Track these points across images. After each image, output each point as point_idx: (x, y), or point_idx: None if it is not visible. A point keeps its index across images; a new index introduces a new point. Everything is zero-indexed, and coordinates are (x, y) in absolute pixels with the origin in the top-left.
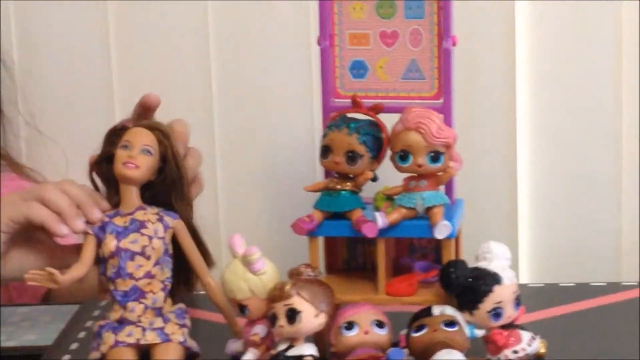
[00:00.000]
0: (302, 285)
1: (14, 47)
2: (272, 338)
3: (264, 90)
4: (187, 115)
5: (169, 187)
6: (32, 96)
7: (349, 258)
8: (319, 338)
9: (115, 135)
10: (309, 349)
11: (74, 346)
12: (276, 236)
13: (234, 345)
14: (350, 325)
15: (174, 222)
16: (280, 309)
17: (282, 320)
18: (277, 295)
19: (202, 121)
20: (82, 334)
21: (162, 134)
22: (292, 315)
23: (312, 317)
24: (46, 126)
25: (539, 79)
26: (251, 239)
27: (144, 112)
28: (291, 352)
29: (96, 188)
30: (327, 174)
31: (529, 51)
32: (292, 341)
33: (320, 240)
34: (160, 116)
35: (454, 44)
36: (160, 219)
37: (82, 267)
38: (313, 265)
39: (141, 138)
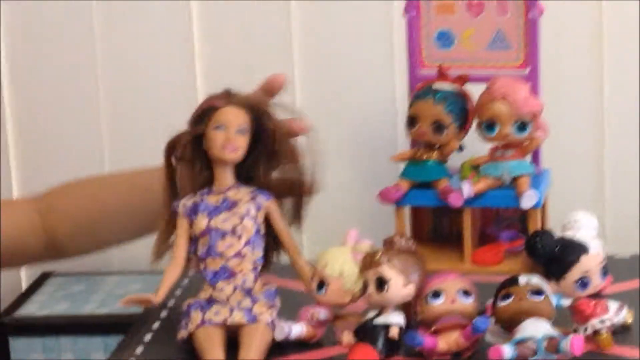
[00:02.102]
0: (393, 255)
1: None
2: (324, 329)
3: (346, 62)
4: None
5: (263, 162)
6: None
7: (435, 227)
8: (407, 307)
9: (204, 115)
10: (397, 318)
11: (163, 314)
12: (360, 206)
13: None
14: (436, 294)
15: (267, 202)
16: (371, 276)
17: (371, 288)
18: (368, 262)
19: (286, 93)
20: (171, 302)
21: (255, 110)
22: (381, 283)
23: (400, 287)
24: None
25: (626, 44)
26: (336, 209)
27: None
28: (379, 320)
29: (171, 168)
30: (414, 143)
31: (616, 17)
32: (381, 309)
33: (407, 210)
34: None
35: (540, 13)
36: (253, 199)
37: (176, 270)
38: (406, 235)
39: (236, 118)
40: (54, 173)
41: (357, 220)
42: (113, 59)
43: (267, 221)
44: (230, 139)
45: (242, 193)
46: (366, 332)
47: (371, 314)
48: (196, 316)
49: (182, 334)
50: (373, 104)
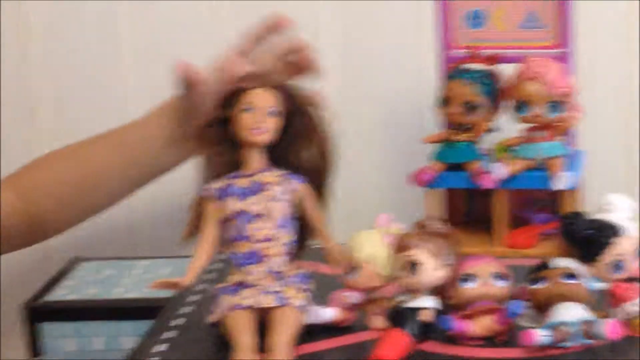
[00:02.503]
0: (425, 238)
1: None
2: (355, 313)
3: (375, 44)
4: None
5: (295, 144)
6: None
7: (468, 210)
8: (440, 291)
9: (232, 96)
10: (429, 302)
11: (195, 298)
12: (390, 188)
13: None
14: (469, 278)
15: (300, 185)
16: (402, 259)
17: (403, 271)
18: (400, 245)
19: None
20: (202, 286)
21: (286, 91)
22: (413, 266)
23: (432, 270)
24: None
25: None
26: (366, 191)
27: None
28: (411, 304)
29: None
30: (446, 125)
31: None
32: (413, 292)
33: (439, 192)
34: None
35: None
36: (285, 182)
37: (204, 253)
38: (440, 218)
39: (265, 99)
40: None
41: (388, 202)
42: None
43: (300, 205)
44: (259, 121)
45: (273, 176)
46: (398, 316)
47: (403, 297)
48: (226, 300)
49: (212, 318)
50: (402, 85)
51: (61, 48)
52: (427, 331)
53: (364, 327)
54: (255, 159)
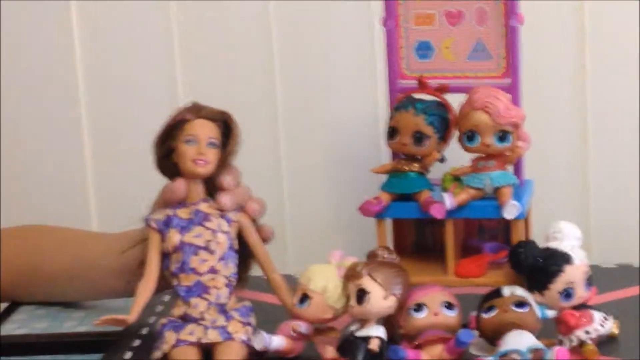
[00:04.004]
0: (374, 267)
1: (76, 47)
2: (303, 344)
3: (327, 73)
4: (250, 98)
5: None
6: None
7: (417, 239)
8: (390, 320)
9: (175, 128)
10: (377, 331)
11: (136, 343)
12: (342, 218)
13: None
14: (419, 307)
15: (238, 215)
16: (352, 288)
17: (352, 300)
18: (350, 274)
19: (265, 104)
20: (152, 319)
21: (224, 123)
22: (362, 295)
23: (380, 299)
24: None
25: (609, 55)
26: (317, 221)
27: None
28: (360, 333)
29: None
30: (394, 155)
31: (599, 27)
32: (362, 322)
33: (389, 222)
34: (226, 105)
35: (520, 22)
36: (222, 214)
37: (149, 287)
38: (389, 248)
39: (206, 131)
40: None
41: (340, 232)
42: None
43: (240, 236)
44: (202, 152)
45: (213, 207)
46: (347, 346)
47: (353, 327)
48: (170, 336)
49: (156, 354)
50: (355, 115)
51: None
52: None
53: (312, 358)
54: (196, 190)
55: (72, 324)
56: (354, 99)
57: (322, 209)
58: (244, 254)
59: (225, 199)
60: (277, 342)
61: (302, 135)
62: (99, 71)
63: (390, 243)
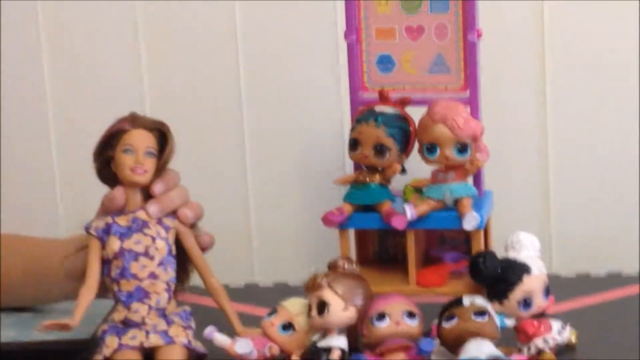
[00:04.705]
0: (335, 278)
1: (42, 48)
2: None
3: (292, 85)
4: (216, 110)
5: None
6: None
7: (380, 250)
8: (353, 330)
9: (113, 138)
10: (338, 341)
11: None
12: (307, 229)
13: (213, 333)
14: (381, 316)
15: (174, 222)
16: (312, 300)
17: (313, 311)
18: (310, 285)
19: (231, 116)
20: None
21: (161, 133)
22: (322, 306)
23: (340, 311)
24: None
25: (568, 68)
26: (282, 232)
27: None
28: (321, 343)
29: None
30: (356, 167)
31: (558, 41)
32: (325, 332)
33: (352, 233)
34: (190, 114)
35: (479, 37)
36: (159, 221)
37: (90, 292)
38: (350, 259)
39: (143, 140)
40: None
41: (306, 243)
42: (157, 60)
43: (178, 242)
44: (140, 161)
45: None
46: (310, 355)
47: (316, 337)
48: (112, 341)
49: (99, 358)
50: (321, 127)
51: None
52: None
53: None
54: (135, 198)
55: (39, 333)
56: (320, 111)
57: (288, 219)
58: (182, 259)
59: (152, 208)
60: (253, 354)
61: (268, 146)
62: (65, 74)
63: (353, 253)
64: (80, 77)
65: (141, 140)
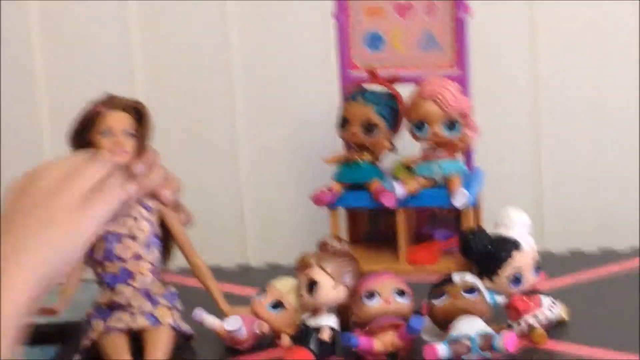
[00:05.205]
0: (324, 257)
1: (37, 47)
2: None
3: (284, 64)
4: (208, 91)
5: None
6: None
7: (371, 228)
8: (345, 308)
9: (89, 122)
10: (328, 320)
11: None
12: (300, 208)
13: (202, 315)
14: (371, 295)
15: (156, 203)
16: (302, 279)
17: (303, 290)
18: (300, 265)
19: (222, 96)
20: None
21: (137, 112)
22: (312, 285)
23: (330, 289)
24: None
25: (560, 42)
26: (275, 211)
27: None
28: (311, 322)
29: None
30: (347, 145)
31: (550, 16)
32: (314, 311)
33: (343, 211)
34: (180, 94)
35: (468, 13)
36: (145, 201)
37: (74, 275)
38: (340, 238)
39: (121, 122)
40: None
41: (296, 222)
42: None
43: (162, 223)
44: (119, 142)
45: None
46: (301, 335)
47: (305, 316)
48: (98, 324)
49: (86, 343)
50: (311, 106)
51: None
52: (329, 348)
53: (271, 345)
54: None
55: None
56: (311, 89)
57: (280, 199)
58: (164, 238)
59: (131, 188)
60: (242, 331)
61: (260, 126)
62: (59, 70)
63: (344, 232)
64: (74, 67)
65: (118, 122)
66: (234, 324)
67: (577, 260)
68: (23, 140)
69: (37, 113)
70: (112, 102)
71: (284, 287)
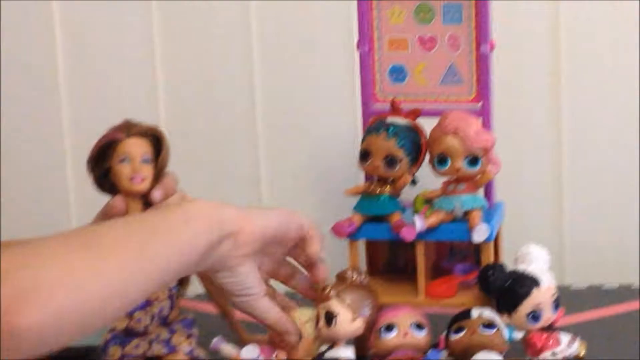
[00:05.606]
0: (344, 289)
1: (59, 48)
2: None
3: (308, 95)
4: (232, 121)
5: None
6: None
7: (390, 260)
8: (362, 341)
9: (108, 149)
10: (346, 352)
11: None
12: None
13: (220, 344)
14: (390, 327)
15: None
16: (320, 311)
17: (321, 322)
18: (319, 297)
19: (245, 125)
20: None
21: (155, 137)
22: (330, 318)
23: (348, 322)
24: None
25: (584, 75)
26: None
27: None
28: (329, 354)
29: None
30: (367, 177)
31: (574, 52)
32: (333, 343)
33: (362, 243)
34: (203, 121)
35: (492, 48)
36: None
37: None
38: (359, 270)
39: (139, 148)
40: None
41: None
42: (172, 66)
43: None
44: (137, 170)
45: None
46: None
47: (323, 347)
48: (115, 350)
49: None
50: (334, 137)
51: None
52: None
53: None
54: (135, 206)
55: None
56: (334, 121)
57: None
58: None
59: None
60: (259, 356)
61: (281, 156)
62: (80, 75)
63: (363, 263)
64: (95, 80)
65: (136, 148)
66: (250, 353)
67: (596, 295)
68: (46, 167)
69: (60, 140)
70: (130, 129)
71: (302, 316)
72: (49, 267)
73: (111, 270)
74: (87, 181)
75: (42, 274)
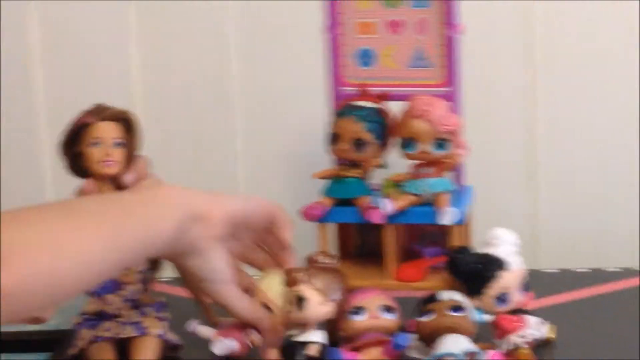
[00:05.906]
0: (313, 273)
1: (36, 47)
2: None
3: (279, 79)
4: (207, 107)
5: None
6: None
7: (361, 244)
8: (331, 323)
9: (79, 133)
10: (316, 336)
11: None
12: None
13: (196, 326)
14: (358, 310)
15: None
16: (291, 294)
17: (291, 306)
18: (289, 281)
19: (222, 110)
20: None
21: (126, 121)
22: (299, 301)
23: (318, 305)
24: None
25: (556, 58)
26: None
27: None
28: (299, 338)
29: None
30: (337, 161)
31: (546, 36)
32: (303, 327)
33: (332, 227)
34: (180, 110)
35: (458, 32)
36: None
37: None
38: (329, 253)
39: (110, 132)
40: None
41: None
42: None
43: None
44: (108, 153)
45: None
46: (287, 350)
47: (294, 331)
48: (86, 333)
49: (73, 351)
50: (303, 121)
51: None
52: None
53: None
54: (106, 190)
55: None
56: (304, 106)
57: None
58: None
59: None
60: (233, 347)
61: (254, 141)
62: (55, 58)
63: (334, 247)
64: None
65: (108, 132)
66: (222, 348)
67: (567, 279)
68: (21, 151)
69: (35, 123)
70: (101, 112)
71: (269, 288)
72: (25, 230)
73: (88, 238)
74: (61, 165)
75: (20, 236)
